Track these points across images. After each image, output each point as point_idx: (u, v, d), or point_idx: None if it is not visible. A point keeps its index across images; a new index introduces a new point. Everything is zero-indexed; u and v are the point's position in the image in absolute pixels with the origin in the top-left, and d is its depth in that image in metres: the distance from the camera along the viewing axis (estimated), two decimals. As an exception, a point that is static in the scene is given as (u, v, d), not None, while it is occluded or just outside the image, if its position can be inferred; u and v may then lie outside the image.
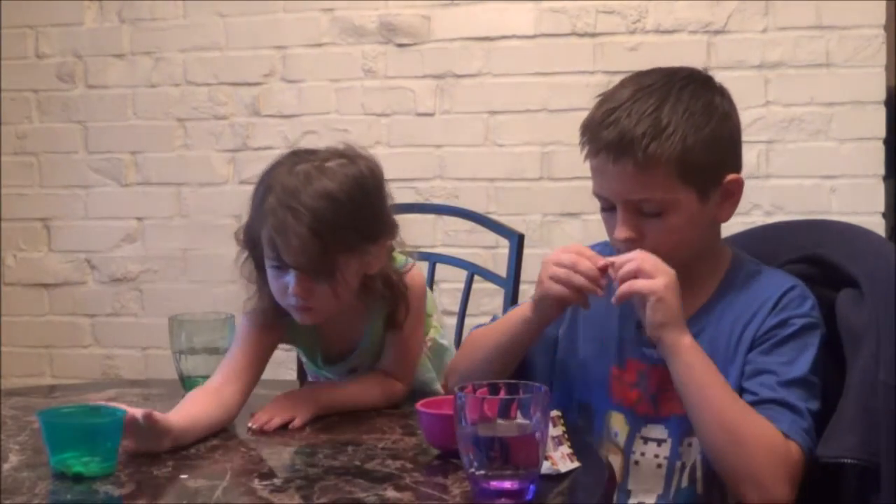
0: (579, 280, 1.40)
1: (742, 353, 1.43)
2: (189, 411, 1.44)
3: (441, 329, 1.80)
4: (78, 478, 1.24)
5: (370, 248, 1.52)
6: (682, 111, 1.39)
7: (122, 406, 1.34)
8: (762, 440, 1.33)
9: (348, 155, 1.53)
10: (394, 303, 1.61)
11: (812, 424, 1.36)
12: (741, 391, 1.41)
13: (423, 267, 2.18)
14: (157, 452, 1.35)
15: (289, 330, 1.62)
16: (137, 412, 1.32)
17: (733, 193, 1.45)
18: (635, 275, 1.36)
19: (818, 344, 1.42)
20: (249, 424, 1.49)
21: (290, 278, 1.49)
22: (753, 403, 1.38)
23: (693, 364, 1.36)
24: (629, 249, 1.42)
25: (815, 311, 1.44)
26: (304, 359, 1.76)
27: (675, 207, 1.40)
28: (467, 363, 1.58)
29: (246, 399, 1.54)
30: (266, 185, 1.50)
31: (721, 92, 1.47)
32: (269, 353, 1.63)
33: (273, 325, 1.60)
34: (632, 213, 1.42)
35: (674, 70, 1.47)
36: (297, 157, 1.53)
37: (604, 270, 1.40)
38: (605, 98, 1.45)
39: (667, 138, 1.37)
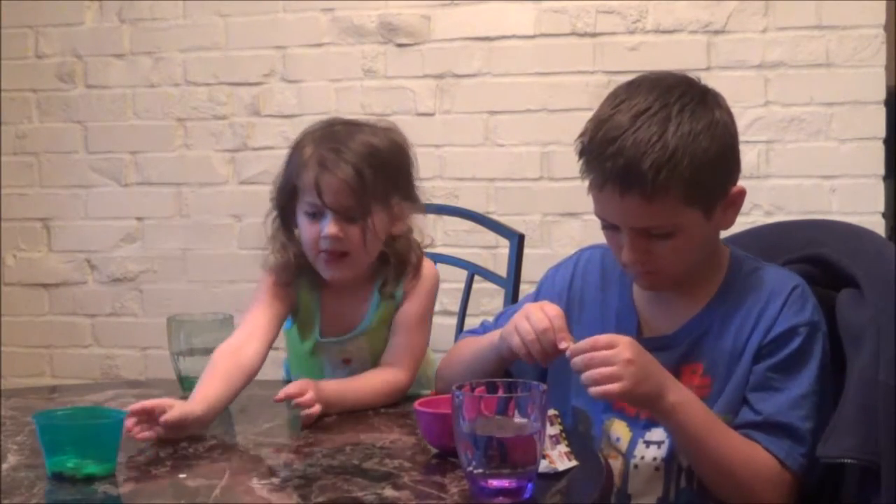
0: (535, 348, 1.39)
1: (748, 359, 1.43)
2: (205, 395, 1.48)
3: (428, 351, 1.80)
4: (75, 479, 1.23)
5: (400, 203, 1.65)
6: (686, 134, 1.36)
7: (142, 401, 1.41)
8: (759, 474, 1.36)
9: (386, 126, 1.68)
10: (399, 273, 1.68)
11: (810, 443, 1.37)
12: (745, 400, 1.42)
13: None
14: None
15: (298, 296, 1.68)
16: (169, 415, 1.39)
17: (735, 202, 1.45)
18: (596, 381, 1.32)
19: (822, 348, 1.42)
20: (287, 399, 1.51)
21: (325, 222, 1.58)
22: (755, 424, 1.39)
23: (683, 423, 1.37)
24: (636, 268, 1.44)
25: (816, 313, 1.44)
26: (294, 346, 1.75)
27: (682, 229, 1.40)
28: (451, 371, 1.60)
29: (265, 358, 1.59)
30: (304, 141, 1.63)
31: (717, 103, 1.43)
32: (284, 316, 1.68)
33: (290, 284, 1.66)
34: (639, 238, 1.41)
35: (668, 85, 1.41)
36: (334, 121, 1.67)
37: (562, 351, 1.38)
38: (601, 121, 1.40)
39: (674, 167, 1.34)
